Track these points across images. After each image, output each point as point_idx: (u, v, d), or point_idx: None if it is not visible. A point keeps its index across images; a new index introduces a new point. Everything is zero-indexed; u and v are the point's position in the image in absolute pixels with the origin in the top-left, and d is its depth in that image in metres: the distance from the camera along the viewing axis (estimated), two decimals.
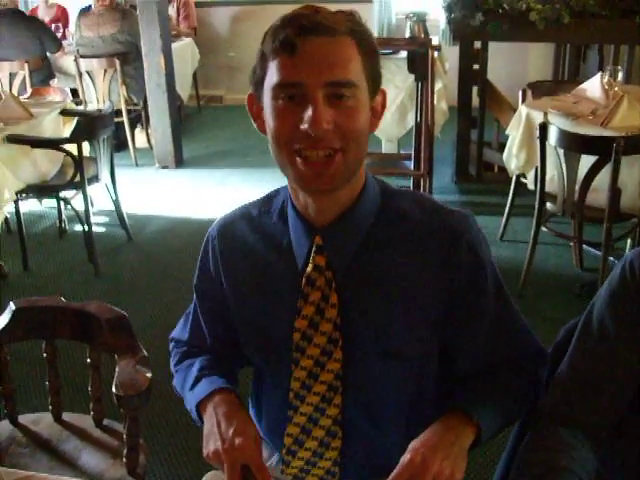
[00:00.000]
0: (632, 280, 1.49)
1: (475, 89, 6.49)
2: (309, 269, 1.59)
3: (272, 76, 1.44)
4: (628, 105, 4.29)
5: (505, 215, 5.34)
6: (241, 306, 1.71)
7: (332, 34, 1.41)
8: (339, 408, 1.64)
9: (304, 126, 1.41)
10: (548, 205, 4.46)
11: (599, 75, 4.92)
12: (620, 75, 4.80)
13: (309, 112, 1.40)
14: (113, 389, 1.99)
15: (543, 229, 4.57)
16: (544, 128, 4.19)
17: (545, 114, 4.31)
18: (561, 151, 4.13)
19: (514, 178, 5.14)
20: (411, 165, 5.93)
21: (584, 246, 4.91)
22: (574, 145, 4.08)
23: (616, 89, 4.65)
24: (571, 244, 5.04)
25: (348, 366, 1.61)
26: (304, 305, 1.60)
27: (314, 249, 1.58)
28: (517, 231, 5.37)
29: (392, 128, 6.06)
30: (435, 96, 5.67)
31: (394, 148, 6.54)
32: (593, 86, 4.87)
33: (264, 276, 1.65)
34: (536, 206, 4.45)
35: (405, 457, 1.43)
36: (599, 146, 3.98)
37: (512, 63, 8.46)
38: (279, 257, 1.63)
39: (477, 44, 6.38)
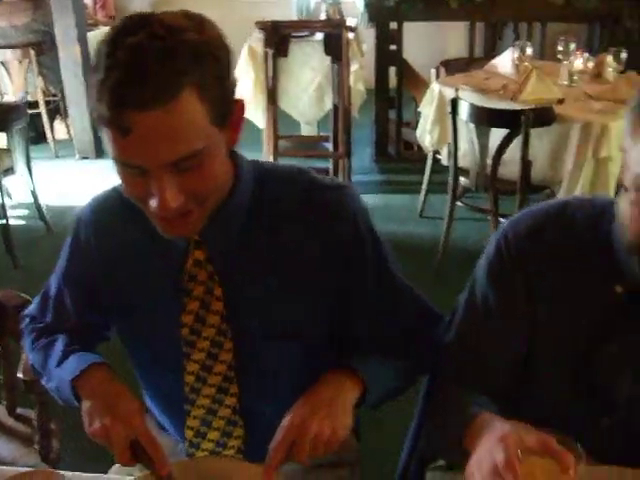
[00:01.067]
0: (507, 253, 1.55)
1: (393, 69, 6.53)
2: (189, 265, 1.54)
3: (108, 143, 1.29)
4: (537, 79, 4.37)
5: (423, 192, 5.41)
6: (121, 299, 1.65)
7: (167, 101, 1.23)
8: (237, 397, 1.62)
9: (153, 204, 1.32)
10: (462, 180, 4.53)
11: (509, 51, 5.02)
12: (529, 50, 4.90)
13: (155, 193, 1.31)
14: (18, 374, 1.98)
15: (459, 204, 4.65)
16: (455, 103, 4.25)
17: (456, 90, 4.37)
18: (472, 126, 4.20)
19: (430, 155, 5.21)
20: (330, 147, 5.97)
21: (501, 219, 4.99)
22: (484, 119, 4.15)
23: (526, 64, 4.74)
24: (489, 218, 5.11)
25: (241, 355, 1.59)
26: (188, 300, 1.56)
27: (192, 244, 1.53)
28: (436, 208, 5.39)
29: (310, 110, 6.07)
30: (352, 77, 5.71)
31: (313, 130, 6.55)
32: (504, 62, 4.97)
33: (143, 269, 1.60)
34: (450, 181, 4.53)
35: (285, 420, 1.43)
36: (508, 119, 4.06)
37: (431, 43, 8.51)
38: (158, 250, 1.57)
39: (395, 25, 6.42)
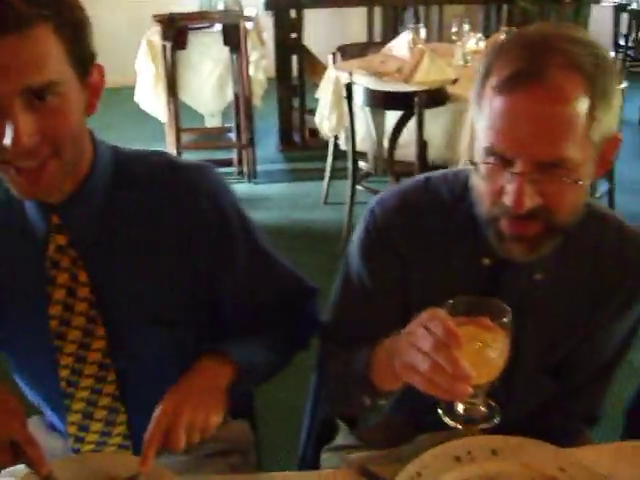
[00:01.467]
0: (376, 230, 1.58)
1: (295, 57, 6.54)
2: (51, 251, 1.50)
3: None
4: (430, 61, 4.41)
5: (326, 179, 5.42)
6: None
7: (22, 28, 1.23)
8: (115, 384, 1.61)
9: (6, 141, 1.27)
10: (362, 164, 4.56)
11: (405, 34, 5.05)
12: (423, 33, 4.95)
13: (9, 128, 1.26)
14: None
15: (360, 188, 4.67)
16: (350, 88, 4.27)
17: (350, 74, 4.38)
18: (368, 109, 4.23)
19: (331, 141, 5.22)
20: (234, 137, 5.96)
21: None
22: (379, 102, 4.20)
23: (419, 46, 4.77)
24: None
25: (114, 341, 1.57)
26: (54, 289, 1.53)
27: (53, 229, 1.49)
28: (339, 193, 5.38)
29: (212, 102, 6.02)
30: (252, 67, 5.71)
31: (218, 122, 6.52)
32: (399, 45, 4.99)
33: (5, 261, 1.56)
34: (349, 166, 4.55)
35: (157, 409, 1.41)
36: (402, 101, 4.11)
37: (332, 29, 8.53)
38: (18, 239, 1.54)
39: (294, 13, 6.42)
